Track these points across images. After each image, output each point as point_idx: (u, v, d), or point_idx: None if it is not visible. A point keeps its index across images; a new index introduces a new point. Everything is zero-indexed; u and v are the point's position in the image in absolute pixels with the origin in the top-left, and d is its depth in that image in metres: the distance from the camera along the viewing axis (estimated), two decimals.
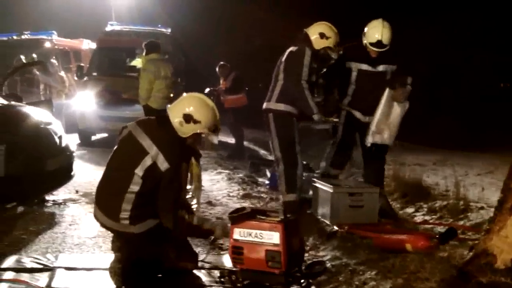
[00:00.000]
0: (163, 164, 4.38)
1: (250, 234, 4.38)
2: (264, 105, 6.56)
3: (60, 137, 7.05)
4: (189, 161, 4.86)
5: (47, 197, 7.09)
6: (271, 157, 11.86)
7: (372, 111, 6.38)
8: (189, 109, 4.49)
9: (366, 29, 6.43)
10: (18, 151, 6.33)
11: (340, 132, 6.62)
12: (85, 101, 12.62)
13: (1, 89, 8.37)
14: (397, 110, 6.40)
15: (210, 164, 10.48)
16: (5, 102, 7.40)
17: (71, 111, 13.31)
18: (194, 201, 6.33)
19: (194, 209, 5.71)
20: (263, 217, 4.48)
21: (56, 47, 16.85)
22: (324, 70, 6.63)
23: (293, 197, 6.37)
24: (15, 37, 17.53)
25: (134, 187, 4.40)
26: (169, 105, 4.81)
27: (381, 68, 6.46)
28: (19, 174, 6.31)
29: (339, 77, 6.65)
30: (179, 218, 4.68)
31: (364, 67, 6.47)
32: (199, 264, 4.79)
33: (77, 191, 7.57)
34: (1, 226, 5.93)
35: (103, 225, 4.65)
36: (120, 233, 4.55)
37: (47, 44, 16.71)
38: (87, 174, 8.65)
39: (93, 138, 13.37)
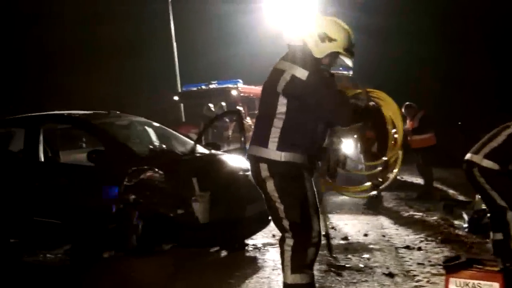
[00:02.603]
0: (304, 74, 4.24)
1: (467, 284, 4.18)
2: (468, 156, 5.73)
3: None
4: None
5: (247, 242, 7.32)
6: (461, 198, 11.37)
7: None
8: (322, 28, 4.37)
9: None
10: (221, 197, 6.59)
11: None
12: None
13: (201, 138, 8.83)
14: None
15: (401, 206, 10.24)
16: (206, 151, 7.82)
17: None
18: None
19: None
20: (480, 266, 4.25)
21: (242, 94, 17.62)
22: None
23: None
24: (203, 87, 18.64)
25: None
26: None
27: None
28: (222, 220, 6.57)
29: None
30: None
31: None
32: None
33: (273, 235, 7.73)
34: (208, 270, 6.22)
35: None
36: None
37: (233, 92, 17.50)
38: None
39: None
